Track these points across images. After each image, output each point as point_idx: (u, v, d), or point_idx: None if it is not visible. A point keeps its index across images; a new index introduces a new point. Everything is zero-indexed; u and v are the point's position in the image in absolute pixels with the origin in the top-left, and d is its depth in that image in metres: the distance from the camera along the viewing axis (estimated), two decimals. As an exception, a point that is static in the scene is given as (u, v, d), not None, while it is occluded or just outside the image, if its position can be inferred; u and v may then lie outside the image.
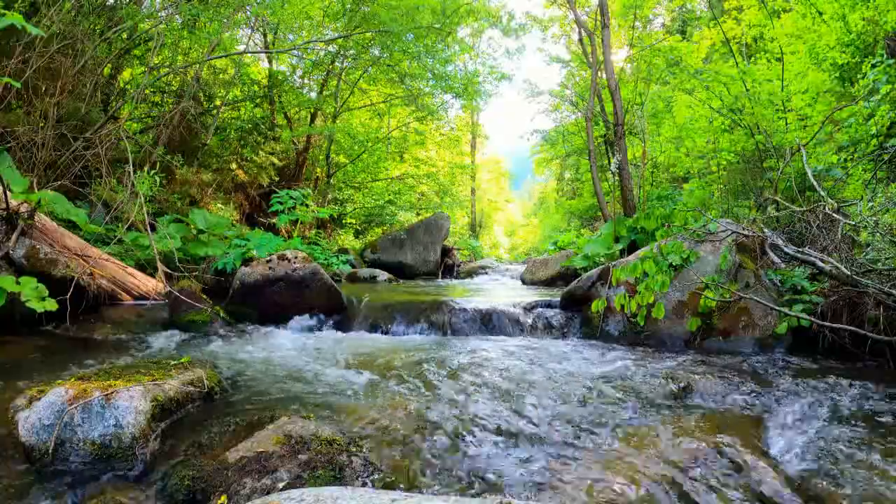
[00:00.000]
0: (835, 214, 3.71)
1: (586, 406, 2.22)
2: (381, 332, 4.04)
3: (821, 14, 6.74)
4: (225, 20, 7.29)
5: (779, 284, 3.62)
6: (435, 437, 1.86)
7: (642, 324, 3.64)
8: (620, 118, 8.86)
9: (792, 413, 2.12)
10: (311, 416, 1.91)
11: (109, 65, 6.58)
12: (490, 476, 1.60)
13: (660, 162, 11.12)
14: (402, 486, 1.54)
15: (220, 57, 8.15)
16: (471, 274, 10.48)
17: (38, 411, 1.67)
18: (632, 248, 6.27)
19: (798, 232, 4.25)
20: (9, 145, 4.35)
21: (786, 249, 3.55)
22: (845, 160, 5.26)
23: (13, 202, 3.39)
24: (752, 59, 8.42)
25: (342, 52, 10.70)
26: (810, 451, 1.75)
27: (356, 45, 10.22)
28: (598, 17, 10.04)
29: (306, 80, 11.79)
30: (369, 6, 9.19)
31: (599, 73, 10.75)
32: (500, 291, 6.50)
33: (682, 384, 2.50)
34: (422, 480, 1.57)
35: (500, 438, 1.86)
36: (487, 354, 3.27)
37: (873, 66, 4.82)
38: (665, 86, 10.94)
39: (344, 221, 13.35)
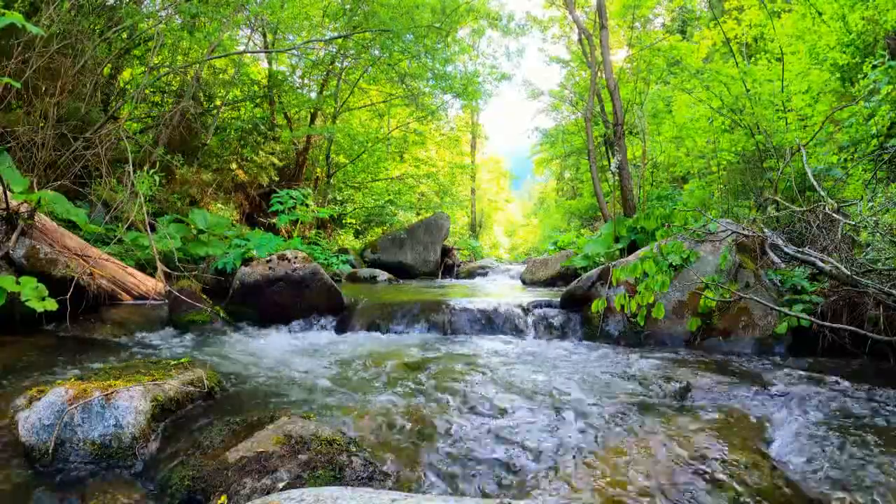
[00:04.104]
0: (835, 214, 3.71)
1: (586, 406, 2.21)
2: (381, 332, 4.04)
3: (820, 14, 6.74)
4: (224, 20, 7.28)
5: (779, 284, 3.62)
6: (435, 437, 1.86)
7: (642, 324, 3.64)
8: (620, 118, 8.86)
9: (792, 413, 2.12)
10: (311, 416, 1.91)
11: (109, 65, 6.58)
12: (490, 476, 1.60)
13: (660, 162, 11.11)
14: (402, 485, 1.54)
15: (220, 57, 8.14)
16: (471, 274, 10.48)
17: (38, 411, 1.67)
18: (632, 248, 6.26)
19: (798, 232, 4.25)
20: (9, 145, 4.35)
21: (786, 249, 3.55)
22: (845, 160, 5.26)
23: (13, 202, 3.39)
24: (753, 59, 8.42)
25: (342, 52, 10.70)
26: (810, 452, 1.75)
27: (356, 44, 10.22)
28: (597, 18, 10.04)
29: (306, 81, 11.80)
30: (369, 5, 9.18)
31: (599, 73, 10.74)
32: (500, 291, 6.49)
33: (682, 384, 2.50)
34: (422, 480, 1.57)
35: (499, 438, 1.86)
36: (487, 354, 3.27)
37: (874, 66, 4.83)
38: (665, 86, 10.94)
39: (344, 221, 13.35)
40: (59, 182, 4.68)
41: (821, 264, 3.22)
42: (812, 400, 2.28)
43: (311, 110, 11.58)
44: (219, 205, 8.62)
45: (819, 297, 3.33)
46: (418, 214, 15.19)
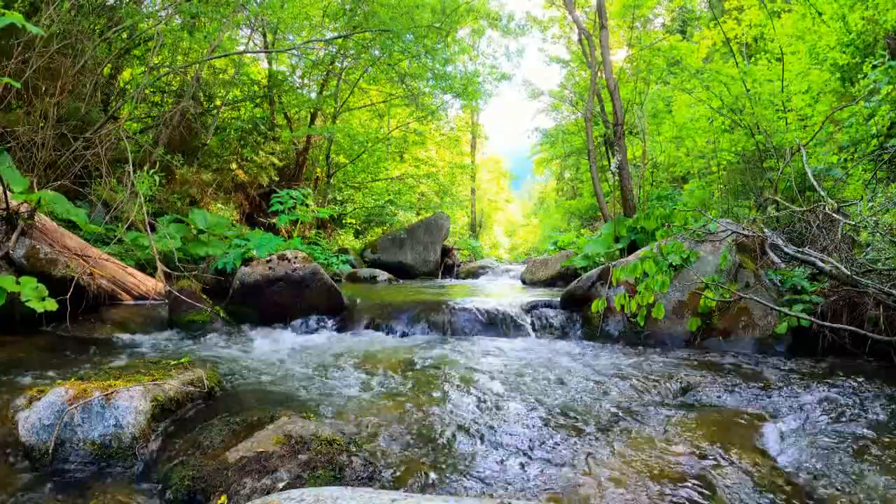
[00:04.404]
0: (835, 214, 3.71)
1: (586, 406, 2.21)
2: (381, 332, 4.04)
3: (820, 14, 6.75)
4: (224, 20, 7.28)
5: (779, 284, 3.62)
6: (434, 437, 1.86)
7: (642, 324, 3.64)
8: (620, 118, 8.85)
9: (791, 413, 2.12)
10: (311, 416, 1.91)
11: (109, 65, 6.58)
12: (490, 476, 1.60)
13: (660, 162, 11.11)
14: (402, 485, 1.54)
15: (220, 57, 8.14)
16: (471, 274, 10.47)
17: (38, 411, 1.67)
18: (632, 248, 6.26)
19: (798, 232, 4.25)
20: (9, 145, 4.34)
21: (786, 249, 3.55)
22: (845, 160, 5.26)
23: (13, 202, 3.39)
24: (753, 59, 8.42)
25: (342, 52, 10.70)
26: (810, 451, 1.75)
27: (356, 44, 10.22)
28: (597, 18, 10.04)
29: (306, 81, 11.80)
30: (369, 5, 9.18)
31: (599, 73, 10.74)
32: (500, 291, 6.50)
33: (681, 384, 2.50)
34: (421, 480, 1.57)
35: (499, 438, 1.86)
36: (487, 354, 3.27)
37: (874, 66, 4.83)
38: (665, 86, 10.94)
39: (344, 221, 13.35)
40: (59, 182, 4.68)
41: (821, 264, 3.22)
42: (812, 400, 2.28)
43: (311, 110, 11.58)
44: (219, 205, 8.62)
45: (819, 297, 3.33)
46: (418, 214, 15.19)
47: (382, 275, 8.53)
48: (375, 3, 8.98)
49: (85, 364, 2.67)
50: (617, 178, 8.58)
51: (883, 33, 5.83)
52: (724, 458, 1.68)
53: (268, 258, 4.33)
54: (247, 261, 4.71)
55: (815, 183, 4.24)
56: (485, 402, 2.25)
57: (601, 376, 2.69)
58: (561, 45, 18.12)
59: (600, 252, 6.80)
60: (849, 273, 3.07)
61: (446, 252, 11.15)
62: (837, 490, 1.52)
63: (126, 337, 3.43)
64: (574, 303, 4.15)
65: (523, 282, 8.13)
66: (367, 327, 4.12)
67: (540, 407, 2.18)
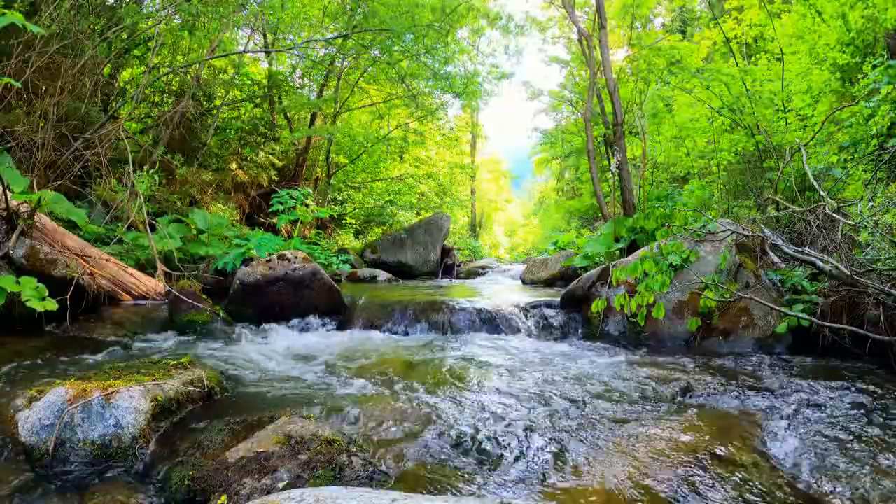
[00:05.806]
0: (835, 214, 3.71)
1: (586, 406, 2.21)
2: (381, 332, 4.04)
3: (820, 14, 6.75)
4: (225, 20, 7.28)
5: (779, 284, 3.62)
6: (434, 437, 1.86)
7: (642, 324, 3.64)
8: (620, 118, 8.85)
9: (791, 413, 2.12)
10: (311, 416, 1.91)
11: (109, 65, 6.58)
12: (489, 476, 1.60)
13: (660, 162, 11.11)
14: (402, 485, 1.54)
15: (220, 56, 8.15)
16: (471, 274, 10.47)
17: (38, 411, 1.67)
18: (632, 248, 6.25)
19: (798, 232, 4.25)
20: (9, 145, 4.34)
21: (786, 249, 3.55)
22: (845, 160, 5.26)
23: (13, 202, 3.39)
24: (753, 59, 8.42)
25: (342, 52, 10.70)
26: (810, 451, 1.75)
27: (356, 44, 10.22)
28: (596, 18, 10.04)
29: (306, 81, 11.79)
30: (369, 5, 9.18)
31: (598, 73, 10.74)
32: (500, 291, 6.49)
33: (682, 384, 2.50)
34: (422, 480, 1.57)
35: (499, 438, 1.86)
36: (487, 355, 3.27)
37: (874, 66, 4.83)
38: (665, 86, 10.95)
39: (344, 221, 13.35)
40: (59, 182, 4.68)
41: (821, 264, 3.22)
42: (812, 400, 2.28)
43: (312, 111, 11.58)
44: (219, 205, 8.61)
45: (819, 297, 3.33)
46: (418, 214, 15.18)
47: (382, 275, 8.53)
48: (376, 2, 8.98)
49: (85, 364, 2.67)
50: (617, 178, 8.57)
51: (882, 32, 5.83)
52: (723, 458, 1.68)
53: (268, 258, 4.33)
54: (247, 261, 4.70)
55: (815, 183, 4.24)
56: (484, 401, 2.25)
57: (601, 376, 2.69)
58: (560, 46, 18.13)
59: (600, 252, 6.79)
60: (849, 273, 3.06)
61: (446, 252, 11.14)
62: (837, 489, 1.52)
63: (126, 337, 3.43)
64: (574, 303, 4.15)
65: (523, 282, 8.13)
66: (367, 327, 4.11)
67: (539, 407, 2.18)
